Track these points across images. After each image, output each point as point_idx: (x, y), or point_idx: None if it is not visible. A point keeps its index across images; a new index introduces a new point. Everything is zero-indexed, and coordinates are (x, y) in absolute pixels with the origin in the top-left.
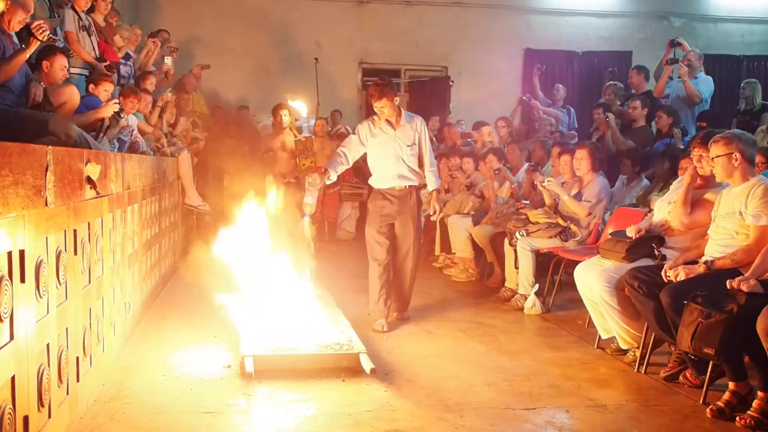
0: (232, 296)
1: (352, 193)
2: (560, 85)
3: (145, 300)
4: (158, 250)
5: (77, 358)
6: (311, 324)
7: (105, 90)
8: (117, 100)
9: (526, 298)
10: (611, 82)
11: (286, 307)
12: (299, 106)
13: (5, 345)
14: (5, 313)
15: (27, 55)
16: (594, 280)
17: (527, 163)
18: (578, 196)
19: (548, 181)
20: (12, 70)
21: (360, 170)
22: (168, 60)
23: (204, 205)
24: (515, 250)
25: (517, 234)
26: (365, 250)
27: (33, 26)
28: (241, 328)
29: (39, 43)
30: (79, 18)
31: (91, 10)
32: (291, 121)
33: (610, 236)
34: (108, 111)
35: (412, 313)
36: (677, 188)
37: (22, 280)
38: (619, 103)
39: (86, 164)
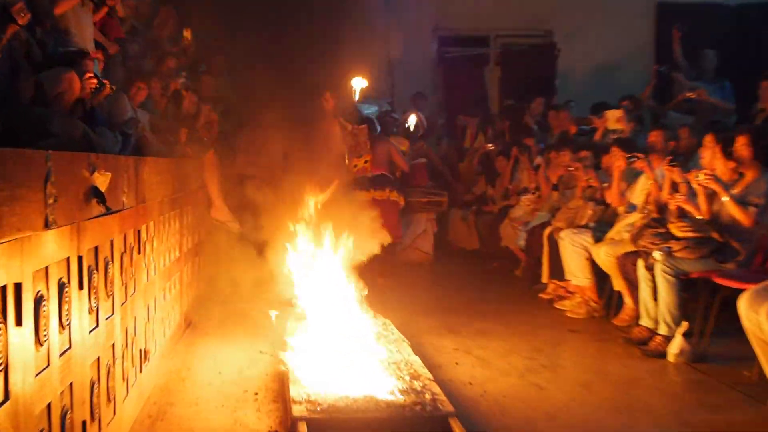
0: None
1: (428, 202)
2: (709, 51)
3: (165, 346)
4: (179, 280)
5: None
6: (382, 376)
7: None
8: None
9: (669, 341)
10: None
11: (351, 354)
12: (358, 83)
13: None
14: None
15: (4, 42)
16: (765, 314)
17: (668, 157)
18: (739, 199)
19: (702, 174)
20: None
21: (436, 171)
22: (186, 33)
23: (234, 221)
24: (653, 276)
25: (655, 253)
26: (448, 276)
27: (14, 9)
28: (293, 379)
29: (18, 28)
30: None
31: None
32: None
33: None
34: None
35: (515, 360)
36: None
37: (18, 323)
38: None
39: (92, 172)
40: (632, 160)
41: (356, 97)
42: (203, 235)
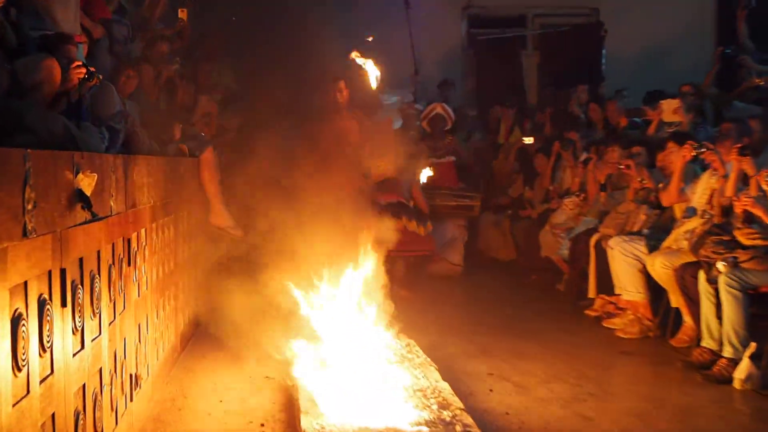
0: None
1: (457, 206)
2: None
3: (158, 371)
4: (173, 295)
5: None
6: (406, 405)
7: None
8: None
9: (735, 364)
10: None
11: (371, 380)
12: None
13: None
14: None
15: None
16: None
17: (737, 146)
18: None
19: None
20: None
21: (464, 169)
22: (181, 14)
23: (236, 227)
24: (716, 290)
25: (719, 264)
26: (480, 290)
27: None
28: (304, 408)
29: None
30: None
31: None
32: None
33: None
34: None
35: (558, 387)
36: None
37: None
38: None
39: (77, 174)
40: (702, 151)
41: (375, 83)
42: (201, 243)
